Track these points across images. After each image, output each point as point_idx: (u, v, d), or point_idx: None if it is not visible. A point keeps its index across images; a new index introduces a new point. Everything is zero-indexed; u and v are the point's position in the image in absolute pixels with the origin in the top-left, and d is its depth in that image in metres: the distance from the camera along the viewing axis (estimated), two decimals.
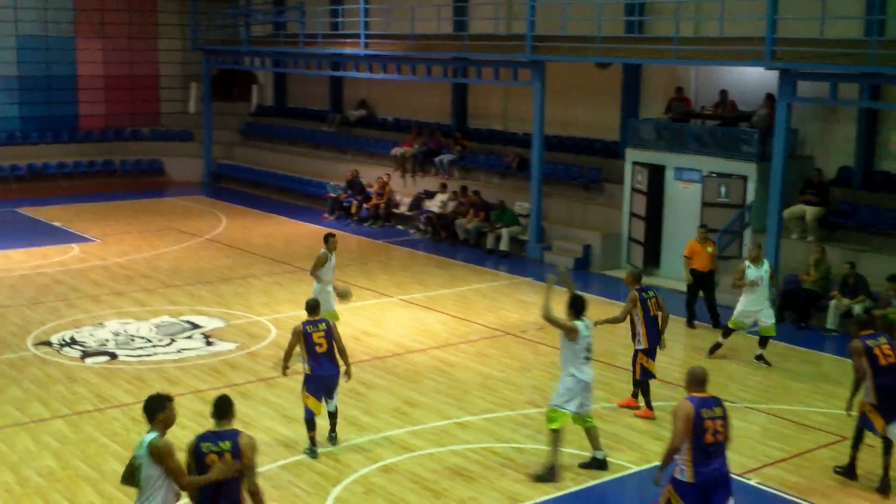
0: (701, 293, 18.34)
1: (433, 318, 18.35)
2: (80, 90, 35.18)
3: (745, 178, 20.54)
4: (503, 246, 23.96)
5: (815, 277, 18.18)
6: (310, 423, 12.06)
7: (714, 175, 20.99)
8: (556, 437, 11.46)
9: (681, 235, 21.47)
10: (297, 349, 12.18)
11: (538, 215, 23.84)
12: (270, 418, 13.31)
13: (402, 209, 27.54)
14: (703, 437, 8.94)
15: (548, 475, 11.42)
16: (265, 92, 38.02)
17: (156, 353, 15.97)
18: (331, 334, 12.16)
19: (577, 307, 11.61)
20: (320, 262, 15.53)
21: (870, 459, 11.76)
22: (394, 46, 27.61)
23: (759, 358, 15.99)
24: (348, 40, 29.20)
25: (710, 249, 17.88)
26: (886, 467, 11.38)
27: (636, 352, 13.67)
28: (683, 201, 21.52)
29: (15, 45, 33.62)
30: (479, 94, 29.58)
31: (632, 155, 22.61)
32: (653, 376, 13.67)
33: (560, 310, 11.78)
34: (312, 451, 12.05)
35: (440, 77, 26.83)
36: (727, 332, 16.28)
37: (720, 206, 20.76)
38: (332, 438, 12.43)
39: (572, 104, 26.49)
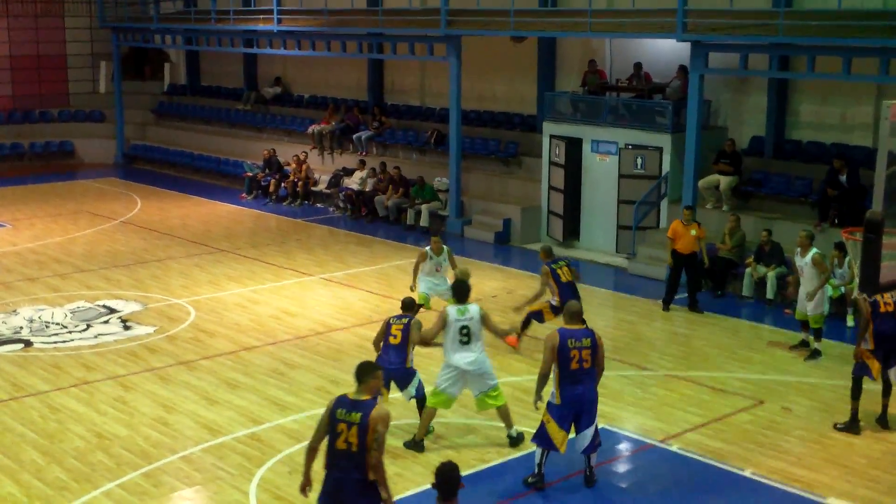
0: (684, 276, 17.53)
1: (355, 296, 18.28)
2: None
3: (660, 150, 20.81)
4: (423, 221, 23.95)
5: (730, 246, 18.52)
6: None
7: (630, 147, 21.22)
8: (429, 413, 11.73)
9: (599, 208, 21.74)
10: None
11: (457, 190, 23.86)
12: (192, 401, 13.14)
13: (321, 187, 27.33)
14: (569, 364, 10.18)
15: (414, 446, 11.66)
16: (178, 70, 37.33)
17: (72, 339, 15.64)
18: (408, 329, 11.79)
19: (458, 293, 11.86)
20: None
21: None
22: (308, 22, 27.30)
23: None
24: (261, 16, 28.81)
25: (693, 231, 17.18)
26: (885, 406, 12.15)
27: (550, 306, 14.73)
28: (601, 173, 21.73)
29: None
30: (396, 70, 29.45)
31: (549, 128, 22.73)
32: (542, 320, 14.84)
33: None
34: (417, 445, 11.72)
35: (355, 53, 26.62)
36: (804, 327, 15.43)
37: (637, 178, 21.02)
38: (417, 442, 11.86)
39: (489, 78, 26.52)
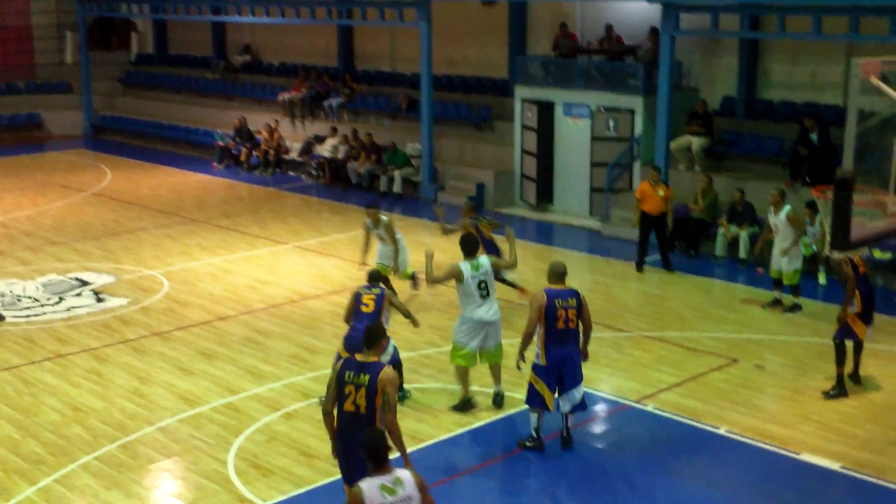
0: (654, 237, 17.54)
1: (329, 264, 18.23)
2: None
3: (632, 112, 20.80)
4: (396, 188, 23.89)
5: (702, 206, 18.58)
6: None
7: (602, 110, 21.20)
8: (461, 372, 11.67)
9: (572, 171, 21.74)
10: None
11: (430, 156, 23.79)
12: (167, 372, 13.09)
13: (293, 155, 27.18)
14: (556, 324, 10.23)
15: (463, 406, 11.68)
16: (145, 39, 36.94)
17: (44, 313, 15.53)
18: (382, 298, 11.50)
19: (466, 248, 11.57)
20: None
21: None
22: None
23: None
24: None
25: (661, 192, 17.15)
26: (857, 363, 12.28)
27: None
28: (573, 137, 21.72)
29: None
30: (366, 36, 29.25)
31: (521, 92, 22.66)
32: None
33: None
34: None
35: (325, 19, 26.38)
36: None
37: (609, 140, 21.02)
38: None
39: (460, 43, 26.39)
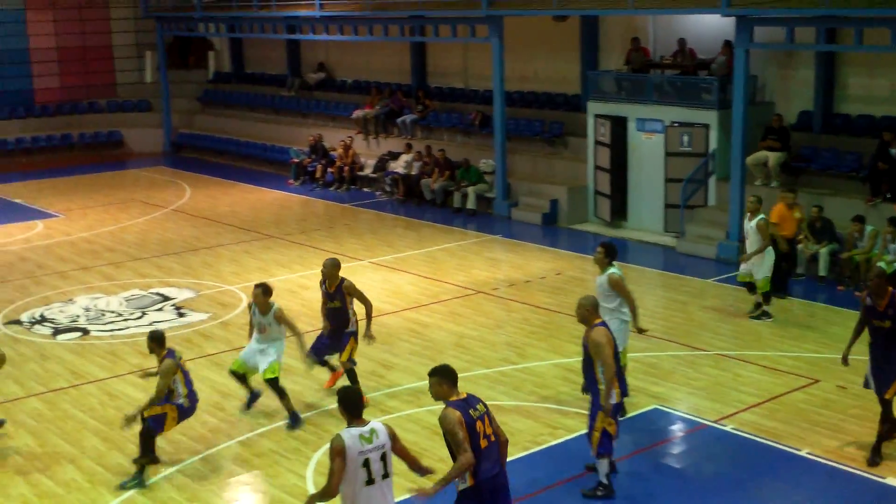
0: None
1: (404, 280, 18.38)
2: (33, 63, 34.64)
3: (706, 127, 20.64)
4: (470, 204, 23.99)
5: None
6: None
7: (676, 125, 21.07)
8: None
9: (646, 187, 21.64)
10: None
11: (503, 172, 23.86)
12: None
13: (367, 171, 27.45)
14: (619, 357, 10.13)
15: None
16: (222, 58, 37.62)
17: (128, 327, 15.90)
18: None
19: (613, 254, 11.77)
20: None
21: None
22: (349, 7, 27.37)
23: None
24: (303, 2, 28.90)
25: (797, 215, 16.81)
26: None
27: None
28: (647, 152, 21.61)
29: None
30: (439, 52, 29.44)
31: (594, 108, 22.63)
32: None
33: None
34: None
35: (397, 36, 26.66)
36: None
37: (683, 156, 20.88)
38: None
39: (532, 58, 26.44)
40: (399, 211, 24.67)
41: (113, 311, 16.72)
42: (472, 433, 7.65)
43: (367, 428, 7.35)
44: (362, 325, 12.65)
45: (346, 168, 27.45)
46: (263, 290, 11.95)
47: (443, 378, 7.82)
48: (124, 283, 18.50)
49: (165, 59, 34.48)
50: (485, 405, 7.87)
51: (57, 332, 15.76)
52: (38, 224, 23.84)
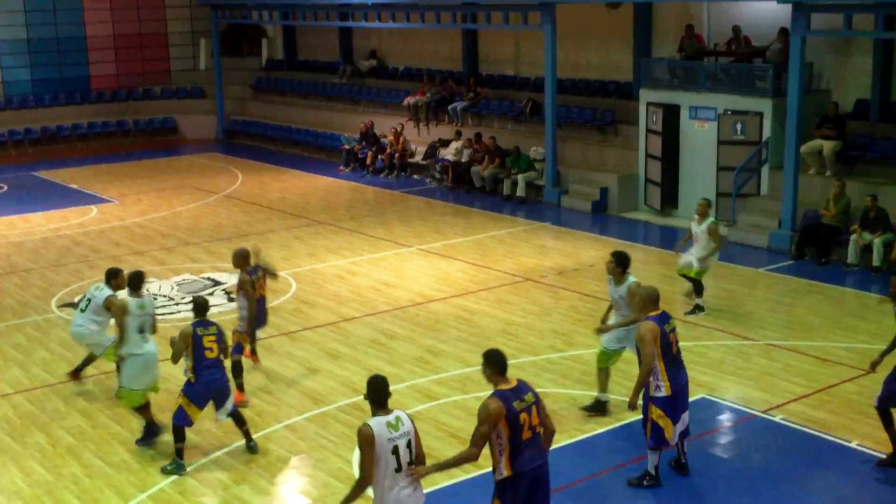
0: None
1: (452, 267, 18.39)
2: (90, 51, 35.13)
3: (760, 115, 20.38)
4: (520, 192, 23.93)
5: (834, 212, 18.10)
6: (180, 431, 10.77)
7: (729, 113, 20.83)
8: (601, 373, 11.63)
9: (697, 175, 21.44)
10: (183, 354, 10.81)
11: (553, 160, 23.76)
12: (294, 371, 13.43)
13: (417, 158, 27.49)
14: (671, 349, 9.67)
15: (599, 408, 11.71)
16: (275, 45, 37.83)
17: (179, 311, 16.09)
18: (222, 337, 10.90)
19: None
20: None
21: None
22: None
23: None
24: None
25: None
26: None
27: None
28: (699, 140, 21.40)
29: (23, 7, 33.52)
30: (490, 40, 29.36)
31: (646, 95, 22.44)
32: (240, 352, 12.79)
33: None
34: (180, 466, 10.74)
35: (449, 24, 26.62)
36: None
37: (736, 144, 20.64)
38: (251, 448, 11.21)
39: (584, 46, 26.27)
40: (448, 198, 24.68)
41: (164, 295, 16.92)
42: (514, 426, 7.56)
43: (392, 416, 7.41)
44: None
45: (397, 155, 27.51)
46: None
47: (487, 363, 7.78)
48: (176, 267, 18.72)
49: (219, 47, 34.75)
50: (534, 394, 7.78)
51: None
52: (92, 209, 24.19)
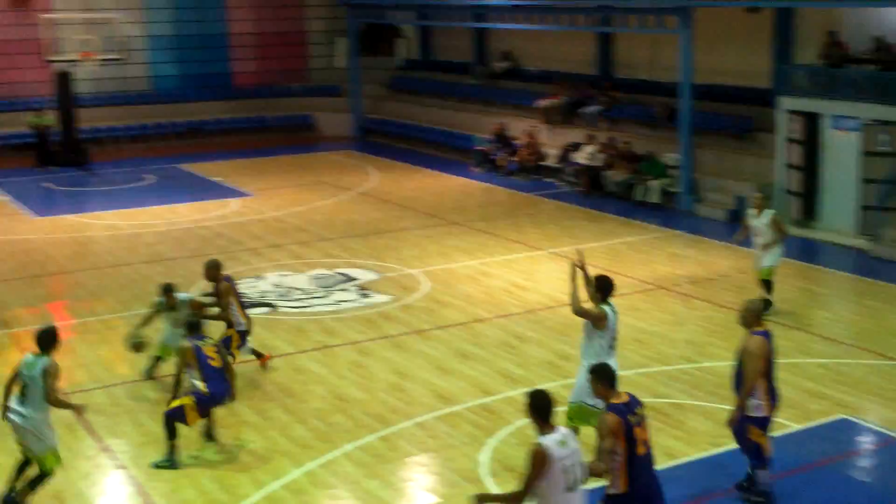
0: None
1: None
2: (232, 48, 36.18)
3: None
4: (653, 198, 23.66)
5: None
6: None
7: (875, 123, 20.18)
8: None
9: (839, 187, 20.81)
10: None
11: (688, 166, 23.42)
12: (425, 370, 13.57)
13: (550, 161, 27.44)
14: (773, 367, 9.42)
15: None
16: (411, 45, 38.26)
17: (313, 305, 16.46)
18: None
19: (604, 289, 10.42)
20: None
21: None
22: None
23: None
24: None
25: None
26: None
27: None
28: (841, 150, 20.76)
29: (171, 4, 34.75)
30: (625, 43, 29.10)
31: (785, 103, 21.89)
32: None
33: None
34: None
35: (584, 26, 26.47)
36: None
37: (882, 156, 19.97)
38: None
39: (721, 51, 25.79)
40: (580, 202, 24.57)
41: (300, 289, 17.33)
42: (630, 440, 7.54)
43: (559, 434, 7.22)
44: None
45: (530, 157, 27.52)
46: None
47: (596, 377, 7.82)
48: (311, 261, 19.14)
49: (357, 46, 35.34)
50: (643, 409, 7.76)
51: (247, 306, 16.42)
52: (233, 202, 24.92)
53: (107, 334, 15.09)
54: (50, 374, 9.37)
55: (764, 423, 9.50)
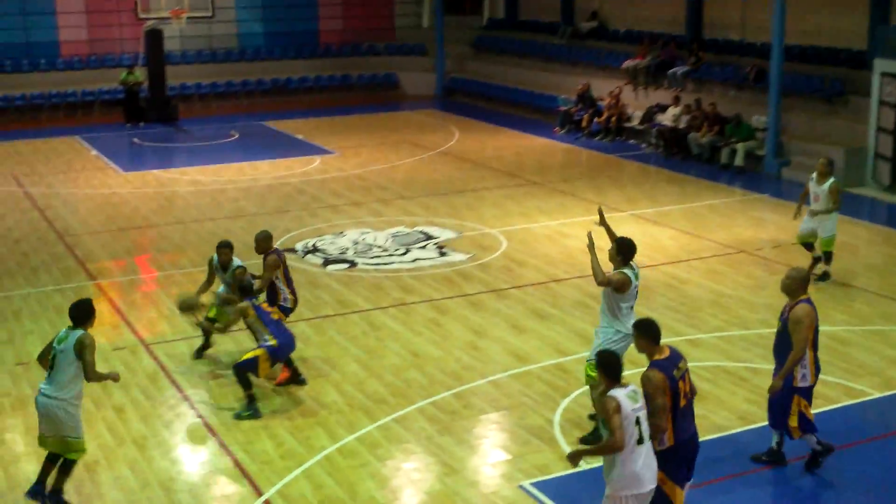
0: None
1: (664, 234, 18.12)
2: (319, 6, 36.36)
3: None
4: (738, 161, 23.24)
5: None
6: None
7: None
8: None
9: None
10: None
11: (776, 129, 22.91)
12: (501, 329, 13.60)
13: (634, 123, 27.10)
14: (818, 336, 9.37)
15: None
16: (496, 4, 37.98)
17: (392, 262, 16.57)
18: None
19: (626, 252, 10.08)
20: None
21: None
22: None
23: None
24: None
25: None
26: None
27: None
28: None
29: None
30: (716, 3, 28.49)
31: (881, 65, 21.25)
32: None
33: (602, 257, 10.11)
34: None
35: None
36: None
37: None
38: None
39: (814, 11, 25.10)
40: (664, 164, 24.25)
41: (379, 246, 17.46)
42: (674, 395, 7.68)
43: (629, 389, 7.45)
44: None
45: (613, 118, 27.22)
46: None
47: (642, 334, 7.91)
48: (391, 219, 19.25)
49: (442, 5, 35.22)
50: (685, 362, 7.90)
51: (327, 262, 16.64)
52: (315, 159, 25.15)
53: (190, 287, 15.37)
54: (86, 346, 8.99)
55: (809, 393, 9.42)
